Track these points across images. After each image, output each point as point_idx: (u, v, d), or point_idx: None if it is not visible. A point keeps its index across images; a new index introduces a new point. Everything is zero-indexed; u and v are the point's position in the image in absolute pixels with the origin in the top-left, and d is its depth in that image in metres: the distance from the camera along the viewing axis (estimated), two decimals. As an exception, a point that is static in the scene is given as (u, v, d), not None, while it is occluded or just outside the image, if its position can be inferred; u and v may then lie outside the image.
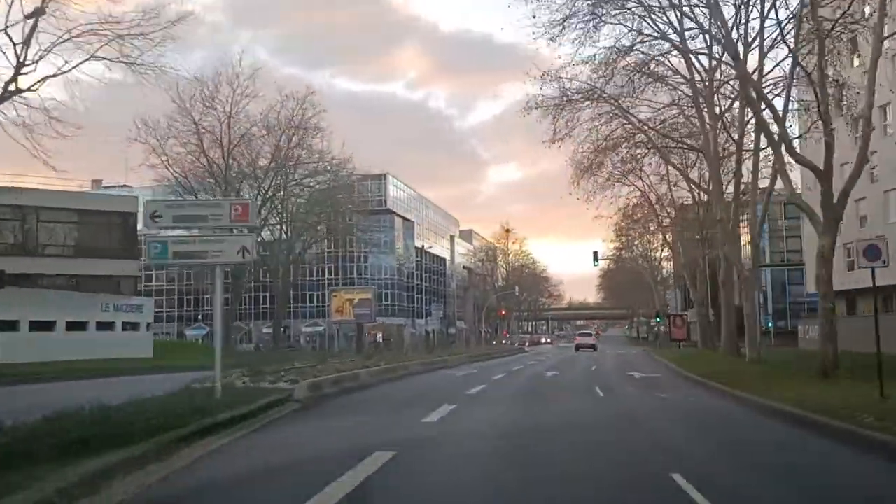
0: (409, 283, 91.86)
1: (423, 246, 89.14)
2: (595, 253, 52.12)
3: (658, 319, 52.73)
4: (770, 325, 61.85)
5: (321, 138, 49.60)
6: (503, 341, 69.24)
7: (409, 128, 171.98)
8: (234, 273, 48.50)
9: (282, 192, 51.51)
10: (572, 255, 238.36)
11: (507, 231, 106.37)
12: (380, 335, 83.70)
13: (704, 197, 45.87)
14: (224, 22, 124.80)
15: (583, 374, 25.31)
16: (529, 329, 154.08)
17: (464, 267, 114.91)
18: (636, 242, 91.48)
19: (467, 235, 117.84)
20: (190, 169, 45.43)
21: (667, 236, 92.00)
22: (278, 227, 53.70)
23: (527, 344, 74.59)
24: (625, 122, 34.37)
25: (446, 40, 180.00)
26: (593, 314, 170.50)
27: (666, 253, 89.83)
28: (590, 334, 69.59)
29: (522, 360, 37.53)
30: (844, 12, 19.55)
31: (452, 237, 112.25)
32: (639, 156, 35.17)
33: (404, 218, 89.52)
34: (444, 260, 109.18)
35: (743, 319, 27.41)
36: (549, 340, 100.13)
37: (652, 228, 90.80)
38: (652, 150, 34.71)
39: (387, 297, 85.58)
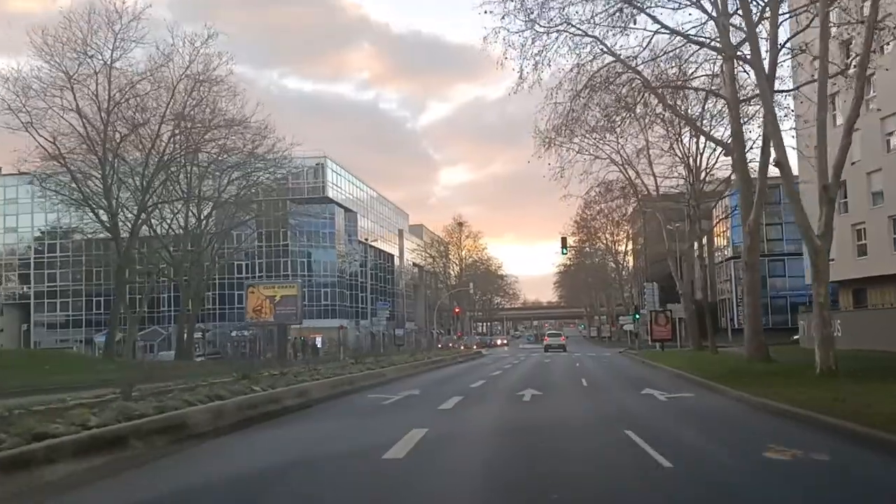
0: (352, 281, 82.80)
1: (367, 240, 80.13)
2: (563, 240, 44.33)
3: (635, 317, 45.12)
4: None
5: (233, 99, 40.47)
6: (458, 344, 61.07)
7: (361, 128, 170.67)
8: (119, 269, 38.99)
9: (187, 166, 42.16)
10: (527, 256, 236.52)
11: (460, 224, 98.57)
12: (318, 339, 74.61)
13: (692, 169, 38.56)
14: (168, 18, 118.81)
15: (578, 394, 17.12)
16: (484, 330, 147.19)
17: (414, 264, 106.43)
18: (600, 234, 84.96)
19: (418, 231, 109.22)
20: (59, 131, 35.75)
21: (635, 226, 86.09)
22: (184, 210, 44.27)
23: (484, 347, 66.45)
24: (611, 59, 26.39)
25: (397, 41, 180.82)
26: (548, 313, 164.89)
27: (633, 246, 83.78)
28: (559, 334, 66.69)
29: (482, 370, 29.34)
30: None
31: (401, 232, 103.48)
32: (628, 101, 27.16)
33: (346, 208, 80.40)
34: (392, 256, 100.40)
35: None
36: (504, 342, 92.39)
37: (617, 218, 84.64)
38: (647, 94, 26.78)
39: (327, 295, 76.39)
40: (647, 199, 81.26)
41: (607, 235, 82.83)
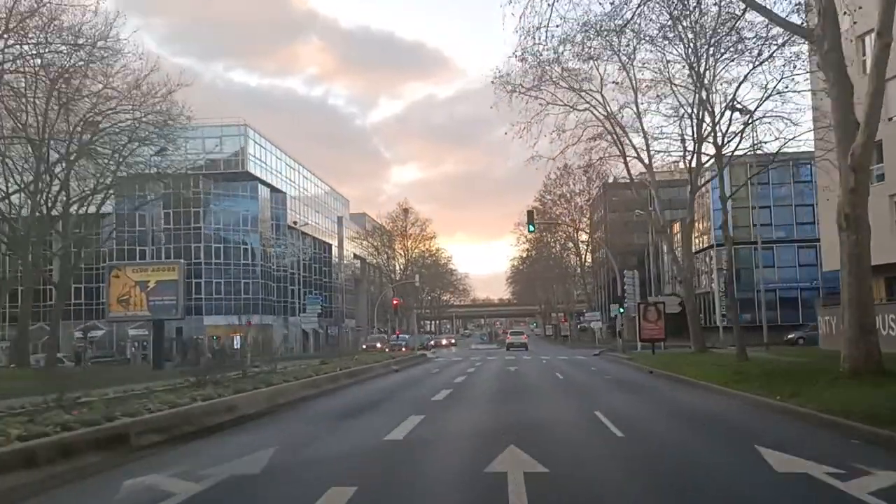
0: (280, 272, 72.00)
1: (295, 223, 69.44)
2: (530, 214, 34.89)
3: (621, 311, 36.03)
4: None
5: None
6: (398, 344, 50.86)
7: (309, 124, 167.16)
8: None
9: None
10: (478, 256, 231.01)
11: (406, 210, 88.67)
12: (236, 339, 63.83)
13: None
14: (110, 7, 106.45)
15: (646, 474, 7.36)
16: (433, 328, 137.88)
17: (355, 256, 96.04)
18: (561, 221, 76.35)
19: (360, 220, 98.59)
20: None
21: (596, 212, 77.89)
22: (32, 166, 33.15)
23: (430, 347, 56.26)
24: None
25: (346, 36, 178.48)
26: (500, 311, 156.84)
27: (593, 235, 75.61)
28: (521, 333, 67.67)
29: (422, 384, 20.23)
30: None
31: (340, 219, 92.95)
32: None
33: (272, 188, 69.52)
34: (329, 246, 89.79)
35: None
36: (452, 341, 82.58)
37: (581, 203, 76.22)
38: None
39: (248, 288, 65.45)
40: (612, 185, 73.12)
41: (568, 222, 74.34)
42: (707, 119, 30.10)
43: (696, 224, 65.24)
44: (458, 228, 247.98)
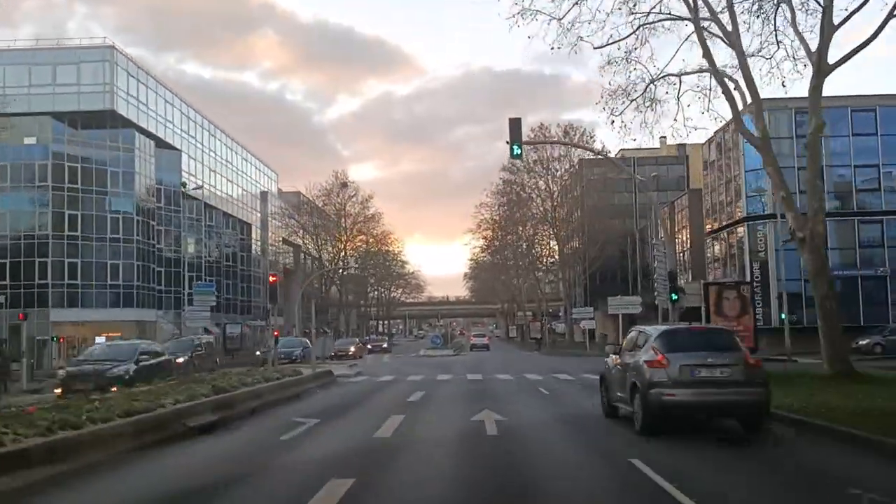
0: (172, 254, 55.12)
1: (185, 185, 52.51)
2: (514, 123, 19.55)
3: (674, 298, 20.57)
4: (783, 317, 32.03)
5: None
6: (287, 353, 31.67)
7: (265, 119, 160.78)
8: None
9: None
10: (436, 256, 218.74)
11: (344, 185, 72.16)
12: (101, 339, 47.08)
13: None
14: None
15: None
16: (383, 329, 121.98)
17: (285, 241, 79.23)
18: (534, 196, 61.39)
19: (294, 200, 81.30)
20: None
21: (575, 187, 62.91)
22: None
23: (334, 357, 36.22)
24: None
25: (304, 30, 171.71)
26: (457, 310, 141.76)
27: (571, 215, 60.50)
28: (483, 335, 72.27)
29: None
30: None
31: (265, 194, 76.14)
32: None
33: (160, 140, 52.48)
34: (248, 226, 72.98)
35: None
36: (383, 346, 60.14)
37: (560, 171, 61.17)
38: None
39: (118, 272, 48.38)
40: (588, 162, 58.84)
41: (543, 190, 59.30)
42: None
43: (712, 196, 51.08)
44: (415, 228, 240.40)
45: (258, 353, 39.38)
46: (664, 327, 11.52)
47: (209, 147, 62.08)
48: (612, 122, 20.66)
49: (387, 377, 24.07)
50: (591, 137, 58.70)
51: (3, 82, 44.57)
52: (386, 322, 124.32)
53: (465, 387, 19.01)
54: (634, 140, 32.26)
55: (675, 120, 21.30)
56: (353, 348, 46.16)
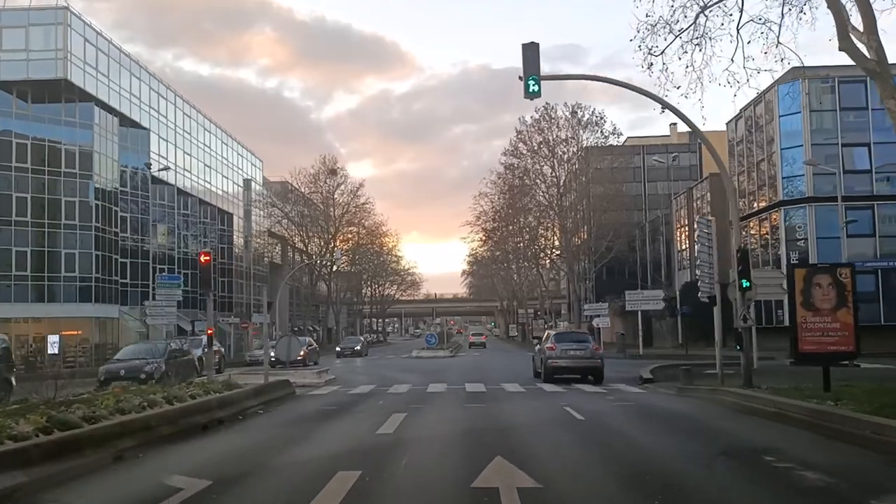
0: (136, 244, 49.92)
1: (148, 165, 47.16)
2: (529, 48, 14.63)
3: (745, 284, 15.70)
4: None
5: None
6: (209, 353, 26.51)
7: (262, 117, 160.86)
8: None
9: None
10: (432, 255, 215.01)
11: (333, 172, 66.98)
12: (53, 340, 42.45)
13: None
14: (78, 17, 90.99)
15: None
16: (378, 327, 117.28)
17: (270, 233, 74.04)
18: (537, 183, 56.29)
19: (281, 192, 75.88)
20: None
21: (584, 173, 57.66)
22: None
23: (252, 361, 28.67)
24: None
25: (301, 28, 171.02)
26: (453, 308, 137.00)
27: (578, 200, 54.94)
28: (481, 333, 76.50)
29: None
30: None
31: (248, 182, 70.84)
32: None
33: (123, 116, 47.16)
34: (230, 217, 67.72)
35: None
36: (356, 348, 48.23)
37: (568, 154, 55.90)
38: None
39: (74, 263, 43.13)
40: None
41: (546, 182, 54.19)
42: None
43: (739, 179, 46.00)
44: (412, 227, 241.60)
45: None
46: (555, 332, 25.87)
47: (184, 128, 56.73)
48: (650, 65, 15.71)
49: (363, 388, 18.92)
50: (601, 119, 53.49)
51: (-59, 47, 39.32)
52: (380, 320, 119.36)
53: (464, 406, 13.83)
54: (678, 88, 27.24)
55: (732, 61, 16.17)
56: (303, 351, 35.54)
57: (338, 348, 49.62)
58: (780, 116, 38.59)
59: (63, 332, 42.56)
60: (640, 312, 36.50)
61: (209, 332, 16.06)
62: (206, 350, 19.21)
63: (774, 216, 39.44)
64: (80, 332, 44.27)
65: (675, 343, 45.63)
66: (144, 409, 9.92)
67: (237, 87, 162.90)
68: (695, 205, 54.28)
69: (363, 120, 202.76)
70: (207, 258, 15.42)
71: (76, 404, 9.14)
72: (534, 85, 15.03)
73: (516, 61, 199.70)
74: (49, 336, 41.83)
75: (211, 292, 16.74)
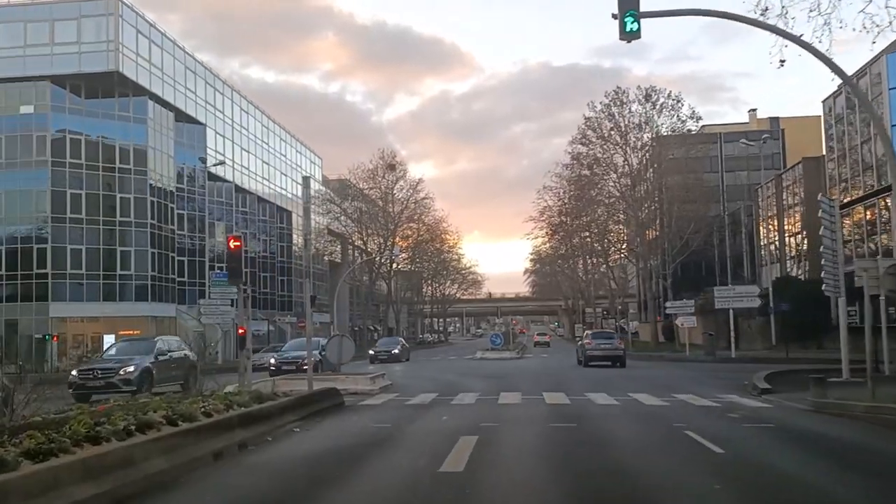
0: (194, 242, 48.85)
1: (203, 160, 45.92)
2: (627, 17, 11.71)
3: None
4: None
5: None
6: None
7: (324, 121, 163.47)
8: None
9: None
10: (494, 255, 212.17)
11: (392, 167, 64.75)
12: (109, 340, 41.23)
13: None
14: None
15: None
16: (438, 327, 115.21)
17: (329, 231, 72.44)
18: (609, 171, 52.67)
19: (341, 190, 74.06)
20: None
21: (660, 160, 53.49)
22: None
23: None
24: None
25: (362, 32, 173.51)
26: (516, 307, 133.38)
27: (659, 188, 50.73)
28: (545, 334, 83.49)
29: None
30: None
31: (307, 179, 69.54)
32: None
33: (179, 111, 46.07)
34: (288, 214, 66.63)
35: None
36: (394, 352, 37.99)
37: (639, 142, 51.93)
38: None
39: (126, 260, 42.15)
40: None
41: (618, 171, 50.49)
42: None
43: (836, 163, 41.35)
44: (472, 227, 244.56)
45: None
46: (591, 331, 40.95)
47: (241, 124, 55.56)
48: (765, 9, 12.59)
49: (423, 396, 16.23)
50: (678, 102, 49.46)
51: (-3, 43, 38.86)
52: (441, 320, 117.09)
53: (551, 427, 10.88)
54: (801, 35, 22.40)
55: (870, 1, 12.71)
56: (397, 349, 38.25)
57: (371, 351, 39.10)
58: (889, 90, 34.15)
59: (120, 332, 41.60)
60: (730, 311, 32.60)
61: (241, 331, 13.73)
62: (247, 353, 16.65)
63: (882, 203, 34.86)
64: (137, 332, 43.31)
65: (766, 344, 41.38)
66: (131, 434, 7.41)
67: (301, 93, 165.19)
68: (783, 194, 49.59)
69: (423, 121, 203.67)
70: (237, 244, 13.03)
71: (29, 432, 6.68)
72: (632, 23, 12.02)
73: (577, 57, 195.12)
74: (105, 336, 40.92)
75: (242, 283, 14.29)
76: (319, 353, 24.70)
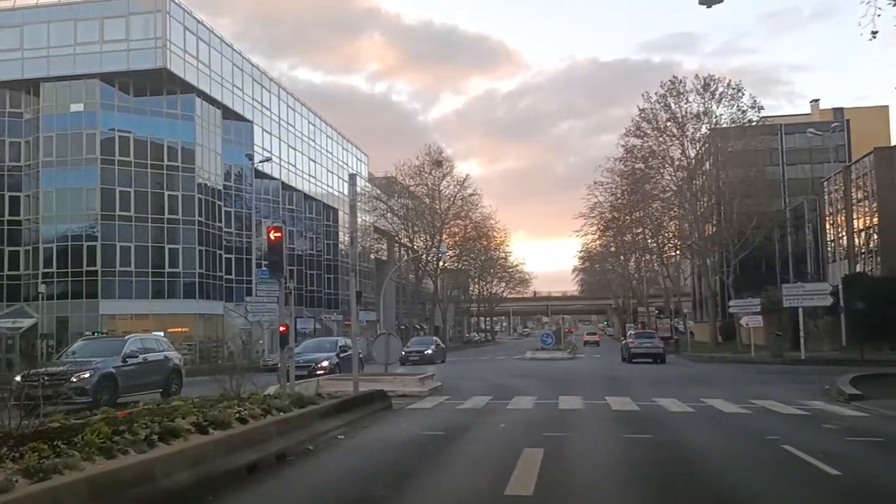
0: (241, 240, 48.77)
1: (250, 157, 45.72)
2: None
3: None
4: None
5: None
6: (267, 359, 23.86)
7: (371, 121, 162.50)
8: None
9: None
10: (540, 253, 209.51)
11: (439, 163, 63.79)
12: (163, 337, 41.09)
13: None
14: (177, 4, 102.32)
15: None
16: (485, 326, 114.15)
17: (376, 229, 71.95)
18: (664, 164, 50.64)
19: (388, 188, 73.62)
20: None
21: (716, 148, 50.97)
22: None
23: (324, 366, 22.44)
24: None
25: (409, 32, 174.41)
26: (564, 306, 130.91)
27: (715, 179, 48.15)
28: (594, 333, 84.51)
29: None
30: None
31: (353, 177, 68.70)
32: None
33: (227, 108, 46.03)
34: (335, 212, 66.36)
35: None
36: (427, 352, 34.43)
37: (695, 134, 49.62)
38: None
39: (174, 258, 42.17)
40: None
41: (674, 165, 48.44)
42: None
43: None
44: (519, 225, 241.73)
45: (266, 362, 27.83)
46: (634, 331, 45.03)
47: (288, 121, 55.39)
48: None
49: (476, 399, 15.11)
50: (740, 92, 47.21)
51: (48, 41, 39.22)
52: (488, 319, 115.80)
53: (622, 438, 9.65)
54: None
55: None
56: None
57: (402, 352, 31.30)
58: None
59: (168, 330, 41.67)
60: (800, 310, 30.53)
61: (282, 329, 12.86)
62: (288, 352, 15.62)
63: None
64: (185, 329, 43.37)
65: (835, 345, 38.97)
66: (153, 444, 6.51)
67: (348, 93, 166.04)
68: (852, 186, 46.84)
69: (469, 120, 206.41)
70: (278, 234, 12.15)
71: (35, 443, 5.80)
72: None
73: (626, 52, 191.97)
74: (154, 333, 41.01)
75: (283, 277, 13.39)
76: (337, 356, 23.30)
